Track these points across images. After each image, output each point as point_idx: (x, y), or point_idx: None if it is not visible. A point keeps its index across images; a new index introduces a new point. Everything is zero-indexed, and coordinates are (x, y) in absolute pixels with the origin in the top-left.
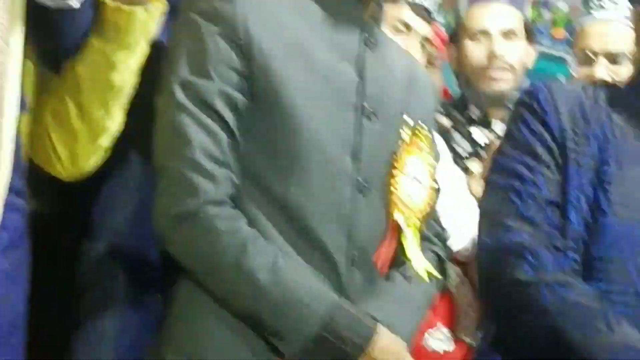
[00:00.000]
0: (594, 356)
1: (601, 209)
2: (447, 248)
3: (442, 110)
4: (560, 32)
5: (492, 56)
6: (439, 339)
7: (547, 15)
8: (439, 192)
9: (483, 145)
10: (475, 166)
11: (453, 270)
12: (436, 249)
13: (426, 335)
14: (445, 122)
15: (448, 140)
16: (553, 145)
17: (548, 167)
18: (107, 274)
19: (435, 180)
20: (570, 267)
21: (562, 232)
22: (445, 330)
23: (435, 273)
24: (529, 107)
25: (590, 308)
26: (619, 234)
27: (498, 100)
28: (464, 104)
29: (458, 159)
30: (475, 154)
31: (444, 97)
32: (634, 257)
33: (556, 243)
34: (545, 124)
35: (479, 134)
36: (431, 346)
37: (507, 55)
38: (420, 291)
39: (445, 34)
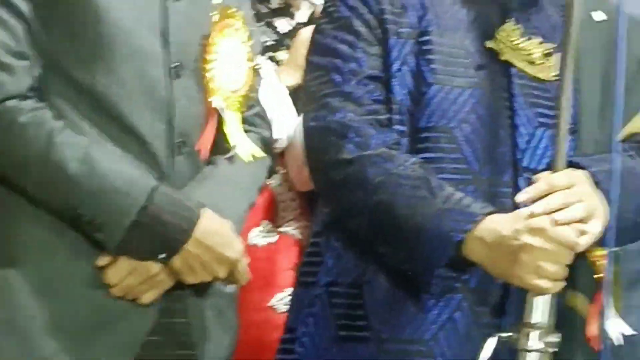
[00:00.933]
0: (421, 224)
1: (424, 78)
2: (271, 129)
3: None
4: None
5: None
6: (261, 234)
7: None
8: (259, 73)
9: (286, 32)
10: (282, 55)
11: None
12: (260, 130)
13: (250, 233)
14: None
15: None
16: (371, 18)
17: (368, 41)
18: None
19: (252, 60)
20: (394, 140)
21: (387, 106)
22: (268, 225)
23: (261, 154)
24: None
25: (413, 177)
26: (444, 103)
27: None
28: None
29: (264, 49)
30: (280, 44)
31: None
32: (459, 124)
33: (380, 118)
34: None
35: (282, 24)
36: (252, 241)
37: None
38: (246, 173)
39: None
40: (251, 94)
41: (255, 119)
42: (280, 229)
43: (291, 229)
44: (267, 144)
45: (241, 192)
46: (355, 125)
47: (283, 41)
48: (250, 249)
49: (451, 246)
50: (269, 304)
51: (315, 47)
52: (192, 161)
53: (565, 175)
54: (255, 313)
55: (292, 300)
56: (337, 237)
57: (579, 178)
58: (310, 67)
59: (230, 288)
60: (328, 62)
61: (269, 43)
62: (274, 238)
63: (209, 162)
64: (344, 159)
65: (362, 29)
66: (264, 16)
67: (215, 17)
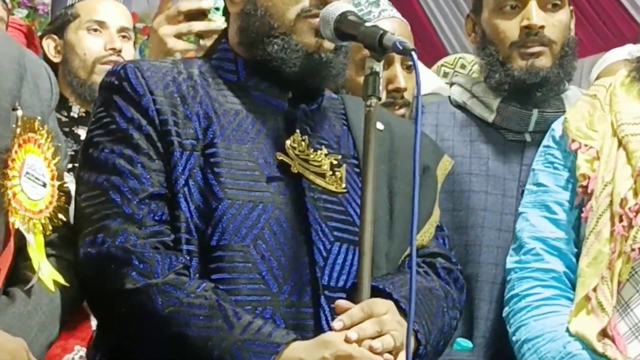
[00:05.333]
0: (219, 357)
1: (213, 193)
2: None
3: None
4: None
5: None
6: None
7: None
8: (68, 191)
9: None
10: None
11: None
12: (65, 255)
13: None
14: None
15: None
16: (151, 130)
17: (149, 156)
18: None
19: (60, 177)
20: (182, 264)
21: (174, 225)
22: (82, 349)
23: (62, 280)
24: (120, 91)
25: (206, 306)
26: (236, 219)
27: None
28: (66, 104)
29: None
30: None
31: None
32: (254, 241)
33: (165, 240)
34: (140, 108)
35: (84, 134)
36: None
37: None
38: (46, 307)
39: None
40: (57, 215)
41: (61, 242)
42: None
43: None
44: (72, 270)
45: (39, 329)
46: (138, 250)
47: None
48: None
49: None
50: None
51: (89, 162)
52: None
53: (379, 304)
54: None
55: None
56: None
57: (390, 307)
58: (85, 185)
59: None
60: (105, 180)
61: (69, 152)
62: None
63: (5, 292)
64: (127, 289)
65: (141, 142)
66: (65, 125)
67: (17, 130)
